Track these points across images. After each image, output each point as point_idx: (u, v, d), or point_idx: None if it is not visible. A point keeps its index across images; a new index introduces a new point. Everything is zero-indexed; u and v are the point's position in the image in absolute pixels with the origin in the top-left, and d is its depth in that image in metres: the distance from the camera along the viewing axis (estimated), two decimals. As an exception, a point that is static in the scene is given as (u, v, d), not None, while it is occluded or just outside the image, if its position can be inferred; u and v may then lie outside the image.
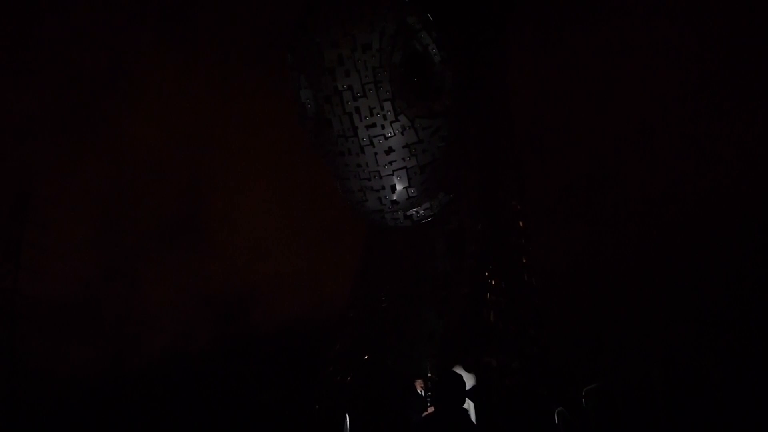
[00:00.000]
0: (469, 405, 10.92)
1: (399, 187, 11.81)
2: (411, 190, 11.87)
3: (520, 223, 14.54)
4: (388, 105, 11.30)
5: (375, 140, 11.49)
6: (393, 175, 11.72)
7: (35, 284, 17.68)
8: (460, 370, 10.84)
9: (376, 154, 11.57)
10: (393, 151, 11.55)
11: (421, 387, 11.48)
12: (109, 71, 17.99)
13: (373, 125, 11.41)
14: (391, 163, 11.64)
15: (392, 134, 11.46)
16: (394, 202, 11.95)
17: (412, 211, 12.33)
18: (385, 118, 11.36)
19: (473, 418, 10.70)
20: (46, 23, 17.60)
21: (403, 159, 11.64)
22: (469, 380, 10.88)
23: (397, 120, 11.38)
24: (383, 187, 11.82)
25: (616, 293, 13.43)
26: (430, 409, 10.95)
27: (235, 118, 17.49)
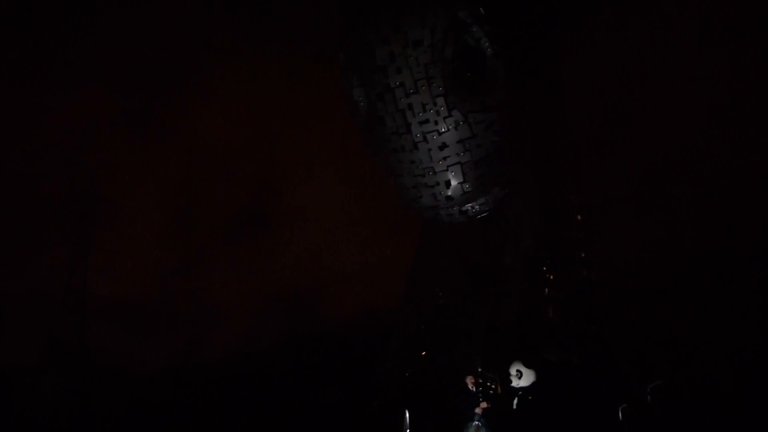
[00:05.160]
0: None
1: (453, 183, 11.73)
2: (465, 186, 11.78)
3: (578, 217, 14.28)
4: (440, 100, 11.26)
5: (428, 136, 11.45)
6: (447, 170, 11.65)
7: (106, 283, 18.26)
8: (520, 366, 10.80)
9: (429, 150, 11.52)
10: (447, 146, 11.49)
11: (472, 383, 11.42)
12: (177, 66, 18.29)
13: (426, 121, 11.38)
14: (445, 158, 11.57)
15: (445, 130, 11.39)
16: (448, 197, 11.89)
17: (467, 206, 12.23)
18: (438, 113, 11.31)
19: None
20: (114, 18, 18.00)
21: (457, 154, 11.56)
22: (530, 376, 10.81)
23: (450, 115, 11.32)
24: (437, 183, 11.76)
25: (690, 288, 12.89)
26: (483, 404, 10.92)
27: (307, 112, 17.56)
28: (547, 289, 13.72)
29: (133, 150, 18.23)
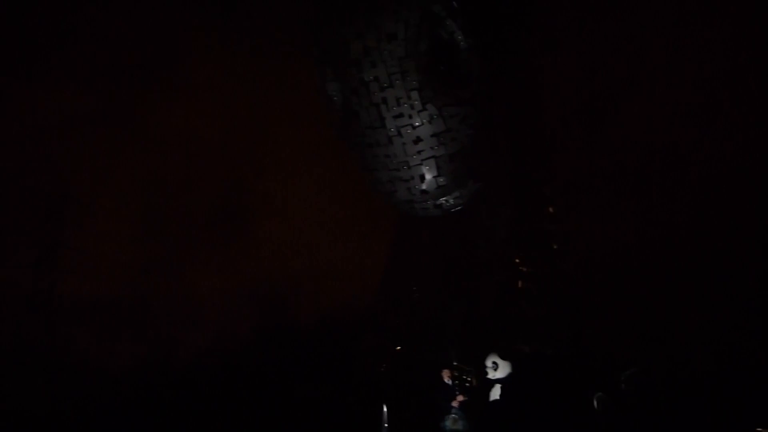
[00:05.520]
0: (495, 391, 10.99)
1: (428, 177, 11.79)
2: (440, 180, 11.85)
3: (550, 209, 14.45)
4: (415, 94, 11.31)
5: (403, 130, 11.50)
6: (422, 164, 11.71)
7: (76, 283, 17.88)
8: (495, 358, 10.89)
9: (404, 144, 11.57)
10: (421, 140, 11.55)
11: (449, 376, 11.53)
12: (151, 59, 17.83)
13: (401, 115, 11.42)
14: (419, 152, 11.63)
15: (420, 124, 11.45)
16: (423, 191, 11.95)
17: (442, 200, 12.30)
18: (412, 107, 11.36)
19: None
20: (84, 10, 17.47)
21: (432, 148, 11.62)
22: (505, 368, 10.91)
23: (424, 109, 11.38)
24: (412, 177, 11.82)
25: (665, 278, 13.10)
26: (459, 398, 11.02)
27: (283, 106, 17.28)
28: (520, 282, 13.87)
29: (105, 146, 17.78)
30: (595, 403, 8.78)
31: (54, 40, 17.20)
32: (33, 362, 17.30)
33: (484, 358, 11.42)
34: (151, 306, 18.59)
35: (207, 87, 17.68)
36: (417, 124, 11.44)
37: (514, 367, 11.12)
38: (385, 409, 10.84)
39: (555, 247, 14.21)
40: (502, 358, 10.98)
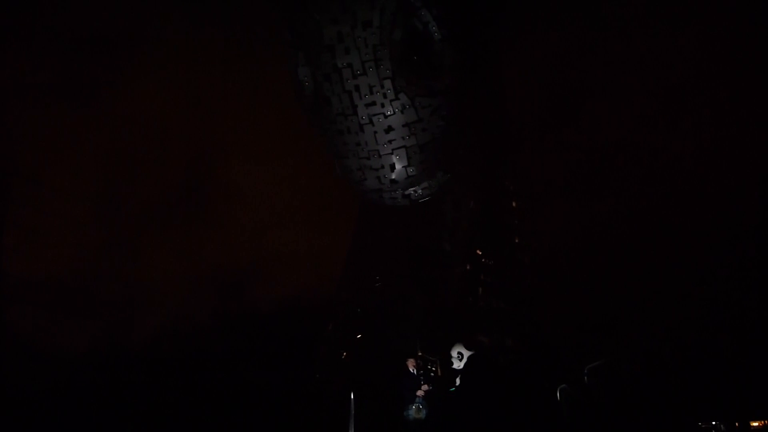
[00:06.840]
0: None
1: (398, 167, 11.80)
2: (410, 170, 11.87)
3: (513, 203, 14.61)
4: (388, 83, 11.27)
5: (374, 119, 11.46)
6: (392, 154, 11.71)
7: (23, 262, 17.26)
8: (461, 348, 10.97)
9: (375, 132, 11.54)
10: (392, 129, 11.54)
11: (413, 366, 11.59)
12: (109, 33, 17.12)
13: (373, 103, 11.38)
14: (390, 141, 11.62)
15: (392, 113, 11.43)
16: (393, 181, 11.95)
17: (411, 190, 12.36)
18: (385, 96, 11.33)
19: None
20: None
21: (403, 138, 11.62)
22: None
23: (397, 98, 11.36)
24: (382, 166, 11.81)
25: (624, 271, 13.46)
26: (424, 387, 11.07)
27: (247, 88, 16.95)
28: (482, 274, 13.99)
29: (60, 121, 17.16)
30: (558, 394, 8.95)
31: (13, 11, 16.43)
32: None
33: (447, 349, 11.51)
34: (104, 287, 18.10)
35: (173, 67, 17.21)
36: (389, 113, 11.41)
37: (476, 357, 11.24)
38: (352, 397, 10.82)
39: (517, 240, 14.38)
40: (467, 348, 11.08)
